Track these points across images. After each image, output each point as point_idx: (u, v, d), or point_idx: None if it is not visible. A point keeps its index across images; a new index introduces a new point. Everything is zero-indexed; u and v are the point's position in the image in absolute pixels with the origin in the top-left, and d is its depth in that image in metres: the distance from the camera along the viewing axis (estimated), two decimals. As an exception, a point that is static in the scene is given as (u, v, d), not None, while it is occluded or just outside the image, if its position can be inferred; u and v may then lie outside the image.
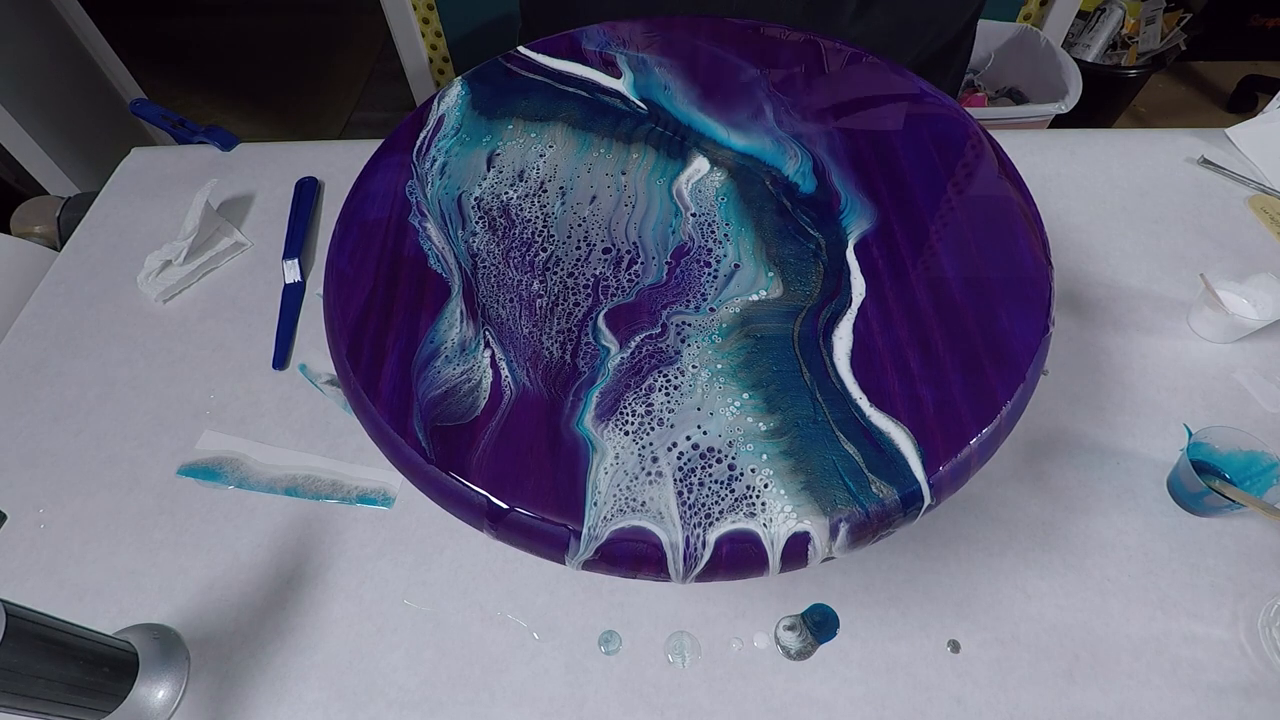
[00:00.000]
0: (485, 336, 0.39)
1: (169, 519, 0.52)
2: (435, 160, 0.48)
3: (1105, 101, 1.56)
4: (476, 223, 0.44)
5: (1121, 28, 1.51)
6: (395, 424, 0.36)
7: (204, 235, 0.66)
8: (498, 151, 0.48)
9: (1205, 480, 0.47)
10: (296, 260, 0.66)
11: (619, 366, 0.37)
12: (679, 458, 0.34)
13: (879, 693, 0.44)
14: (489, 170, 0.47)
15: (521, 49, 0.55)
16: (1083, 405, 0.55)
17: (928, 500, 0.34)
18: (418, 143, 0.49)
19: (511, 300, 0.41)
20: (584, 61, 0.54)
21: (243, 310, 0.64)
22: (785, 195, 0.45)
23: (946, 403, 0.36)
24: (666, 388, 0.37)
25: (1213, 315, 0.57)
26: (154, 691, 0.43)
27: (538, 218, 0.45)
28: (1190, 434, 0.50)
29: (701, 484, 0.34)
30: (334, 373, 0.49)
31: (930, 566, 0.48)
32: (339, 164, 0.75)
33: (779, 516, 0.33)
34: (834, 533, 0.33)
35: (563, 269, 0.42)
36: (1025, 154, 0.71)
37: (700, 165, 0.47)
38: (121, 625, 0.47)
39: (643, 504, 0.33)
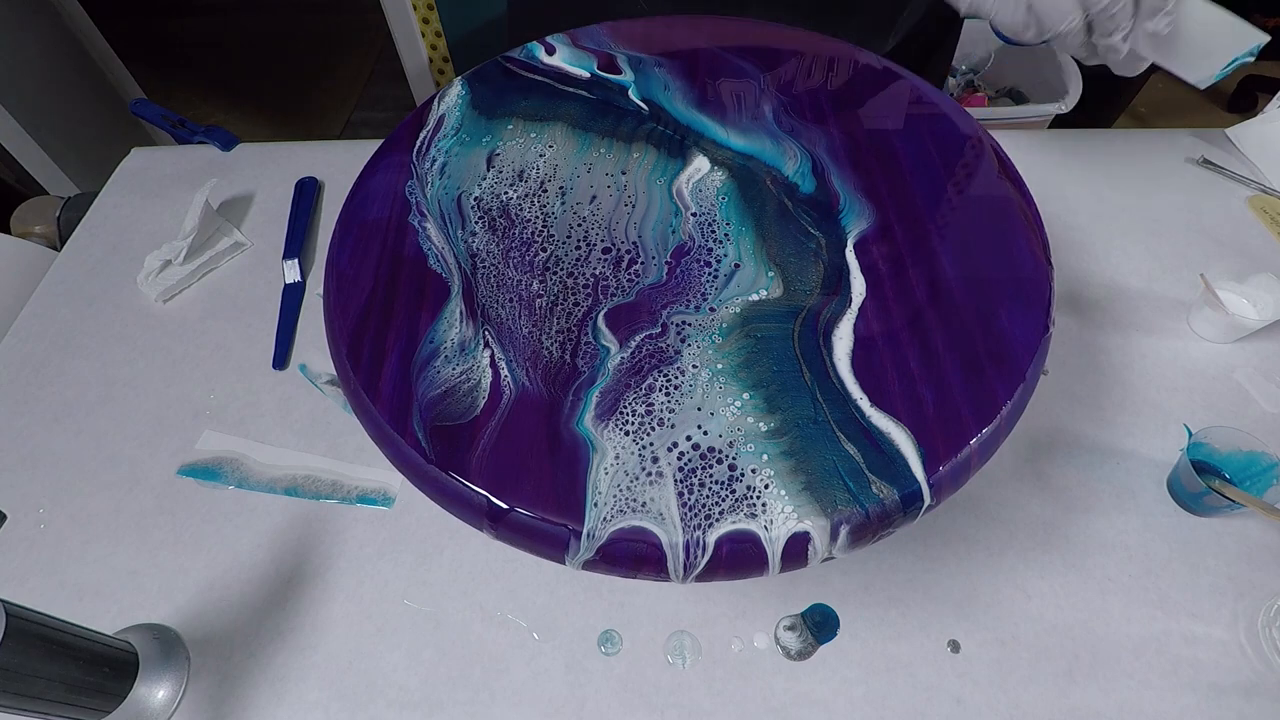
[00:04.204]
0: (485, 336, 0.39)
1: (169, 519, 0.52)
2: (435, 160, 0.48)
3: (1105, 101, 1.56)
4: (476, 223, 0.44)
5: (1121, 27, 1.51)
6: (395, 424, 0.36)
7: (204, 235, 0.66)
8: (497, 151, 0.48)
9: (1205, 480, 0.47)
10: (296, 260, 0.66)
11: (619, 366, 0.37)
12: (679, 458, 0.34)
13: (879, 693, 0.44)
14: (489, 170, 0.47)
15: (521, 49, 0.55)
16: (1083, 405, 0.55)
17: (928, 500, 0.34)
18: (418, 143, 0.49)
19: (511, 300, 0.41)
20: (584, 61, 0.54)
21: (243, 310, 0.64)
22: (786, 195, 0.45)
23: (946, 403, 0.36)
24: (667, 388, 0.37)
25: (1213, 315, 0.57)
26: (154, 691, 0.43)
27: (537, 217, 0.45)
28: (1190, 434, 0.50)
29: (702, 484, 0.34)
30: (334, 373, 0.49)
31: (930, 566, 0.48)
32: (339, 164, 0.75)
33: (779, 517, 0.33)
34: (834, 533, 0.33)
35: (562, 269, 0.42)
36: (1025, 154, 0.71)
37: (700, 165, 0.47)
38: (121, 625, 0.47)
39: (643, 504, 0.33)
